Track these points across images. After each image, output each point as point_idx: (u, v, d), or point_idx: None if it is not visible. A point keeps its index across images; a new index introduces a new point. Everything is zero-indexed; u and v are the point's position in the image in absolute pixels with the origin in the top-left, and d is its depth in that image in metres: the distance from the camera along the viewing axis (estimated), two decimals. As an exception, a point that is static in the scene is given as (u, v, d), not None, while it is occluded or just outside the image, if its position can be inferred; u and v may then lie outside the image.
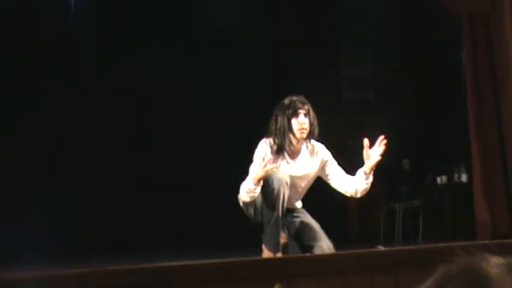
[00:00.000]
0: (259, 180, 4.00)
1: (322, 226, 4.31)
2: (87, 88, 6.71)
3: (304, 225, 4.25)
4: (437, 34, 6.32)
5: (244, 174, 4.34)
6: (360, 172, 4.18)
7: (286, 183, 4.08)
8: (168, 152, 6.83)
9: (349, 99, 7.10)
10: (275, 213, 4.08)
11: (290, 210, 4.30)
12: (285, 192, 4.06)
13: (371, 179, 4.17)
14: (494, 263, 0.88)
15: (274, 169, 4.10)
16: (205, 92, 6.76)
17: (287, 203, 4.18)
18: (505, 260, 0.89)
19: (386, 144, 4.09)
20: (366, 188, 4.22)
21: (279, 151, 4.20)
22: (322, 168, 4.28)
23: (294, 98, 4.22)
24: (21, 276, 3.53)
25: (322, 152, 4.28)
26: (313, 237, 4.19)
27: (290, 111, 4.18)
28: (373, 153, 4.09)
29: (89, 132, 6.77)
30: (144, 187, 6.74)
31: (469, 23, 5.37)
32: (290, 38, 6.89)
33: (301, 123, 4.16)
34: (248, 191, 4.07)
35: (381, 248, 4.49)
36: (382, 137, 4.12)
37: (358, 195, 4.28)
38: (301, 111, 4.17)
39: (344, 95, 7.11)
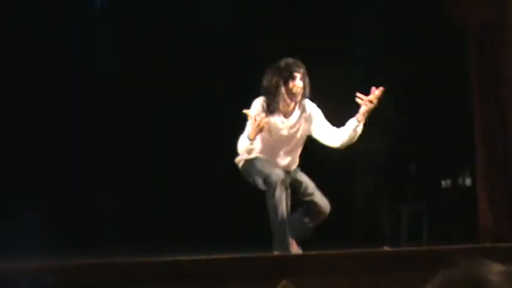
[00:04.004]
0: (254, 137, 4.07)
1: (329, 225, 4.33)
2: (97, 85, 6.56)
3: (299, 182, 4.28)
4: (445, 42, 6.26)
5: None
6: (351, 121, 4.19)
7: (286, 187, 4.10)
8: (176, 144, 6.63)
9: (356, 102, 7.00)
10: (279, 218, 4.09)
11: (286, 172, 4.30)
12: (286, 195, 4.09)
13: (361, 127, 4.17)
14: (494, 271, 0.86)
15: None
16: (215, 87, 6.53)
17: (285, 166, 4.26)
18: (505, 268, 0.87)
19: (382, 95, 4.12)
20: (354, 135, 4.21)
21: (272, 111, 4.22)
22: (311, 121, 4.30)
23: (290, 61, 4.23)
24: (25, 268, 3.52)
25: (312, 109, 4.30)
26: (309, 193, 4.24)
27: (287, 74, 4.18)
28: (367, 100, 4.12)
29: (93, 125, 6.62)
30: (153, 181, 6.61)
31: (477, 35, 5.37)
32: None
33: (296, 86, 4.18)
34: (246, 148, 4.15)
35: (387, 248, 4.48)
36: (380, 88, 4.12)
37: (345, 144, 4.27)
38: (298, 75, 4.19)
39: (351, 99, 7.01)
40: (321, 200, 4.24)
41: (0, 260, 3.84)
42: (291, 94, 4.18)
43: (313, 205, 4.23)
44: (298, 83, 4.16)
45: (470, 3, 5.29)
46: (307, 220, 4.29)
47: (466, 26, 5.46)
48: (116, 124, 6.66)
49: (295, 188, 4.24)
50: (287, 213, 4.11)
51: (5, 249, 4.34)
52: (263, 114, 4.12)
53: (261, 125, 4.02)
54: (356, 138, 4.23)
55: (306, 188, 4.25)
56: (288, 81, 4.16)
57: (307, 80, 4.22)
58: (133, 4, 6.77)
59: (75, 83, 6.37)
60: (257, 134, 4.06)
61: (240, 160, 4.28)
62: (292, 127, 4.27)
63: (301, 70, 4.19)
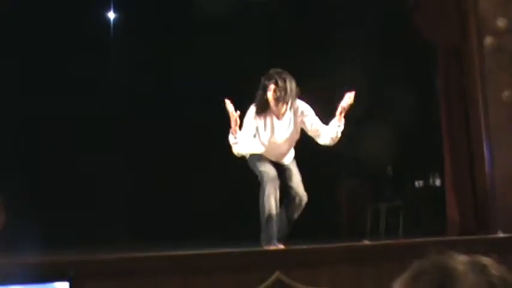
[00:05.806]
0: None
1: (316, 222, 4.51)
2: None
3: (288, 171, 4.52)
4: (417, 59, 6.45)
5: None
6: (334, 121, 4.42)
7: (276, 186, 4.34)
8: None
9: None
10: (267, 212, 4.31)
11: (280, 165, 4.56)
12: (276, 192, 4.32)
13: (342, 127, 4.39)
14: (460, 261, 0.92)
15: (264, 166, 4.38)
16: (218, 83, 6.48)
17: (279, 159, 4.47)
18: (469, 258, 0.93)
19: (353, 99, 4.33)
20: (337, 136, 4.42)
21: (265, 116, 4.45)
22: (302, 121, 4.50)
23: (271, 71, 4.39)
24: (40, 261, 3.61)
25: (304, 108, 4.50)
26: (294, 181, 4.47)
27: (265, 84, 4.38)
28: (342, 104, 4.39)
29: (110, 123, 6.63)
30: (163, 181, 6.63)
31: (444, 53, 5.53)
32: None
33: (269, 96, 4.37)
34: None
35: (367, 242, 4.60)
36: (351, 93, 4.37)
37: (332, 141, 4.46)
38: (271, 86, 4.36)
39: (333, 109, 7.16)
40: (301, 193, 4.45)
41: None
42: (273, 100, 4.37)
43: (293, 197, 4.43)
44: (269, 94, 4.35)
45: (435, 25, 5.40)
46: (287, 214, 4.47)
47: (433, 44, 5.57)
48: (119, 121, 6.68)
49: (282, 172, 4.49)
50: (276, 209, 4.33)
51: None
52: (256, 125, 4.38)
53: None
54: (339, 136, 4.43)
55: (290, 176, 4.48)
56: (266, 90, 4.37)
57: (291, 84, 4.33)
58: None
59: (76, 84, 6.41)
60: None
61: (246, 154, 4.52)
62: (284, 127, 4.47)
63: (274, 80, 4.33)
